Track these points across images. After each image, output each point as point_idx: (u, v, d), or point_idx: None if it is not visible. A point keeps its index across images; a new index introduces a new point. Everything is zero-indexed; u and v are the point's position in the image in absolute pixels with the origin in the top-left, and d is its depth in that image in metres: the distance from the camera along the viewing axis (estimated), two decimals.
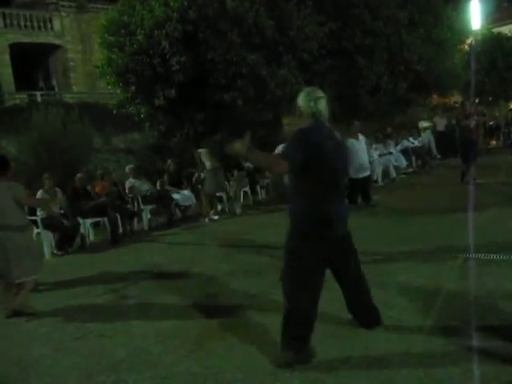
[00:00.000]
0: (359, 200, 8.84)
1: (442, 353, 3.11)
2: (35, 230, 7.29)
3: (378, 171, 12.15)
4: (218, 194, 10.22)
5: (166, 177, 10.08)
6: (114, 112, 12.20)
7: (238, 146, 2.98)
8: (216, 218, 9.65)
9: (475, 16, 18.11)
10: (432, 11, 14.71)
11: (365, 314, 3.52)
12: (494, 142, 18.28)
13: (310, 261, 3.11)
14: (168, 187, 9.89)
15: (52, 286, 5.75)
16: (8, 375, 3.50)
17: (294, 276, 3.15)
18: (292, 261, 3.18)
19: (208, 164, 9.62)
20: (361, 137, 9.06)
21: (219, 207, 10.41)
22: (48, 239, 7.77)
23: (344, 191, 3.41)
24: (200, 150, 9.77)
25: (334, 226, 3.14)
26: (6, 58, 21.28)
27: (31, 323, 4.54)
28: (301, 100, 3.19)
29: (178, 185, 10.08)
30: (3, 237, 4.57)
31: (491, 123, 18.27)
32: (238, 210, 10.10)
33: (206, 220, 9.49)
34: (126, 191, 9.66)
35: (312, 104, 3.14)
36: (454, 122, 15.08)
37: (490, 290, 4.07)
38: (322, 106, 3.17)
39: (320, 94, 3.21)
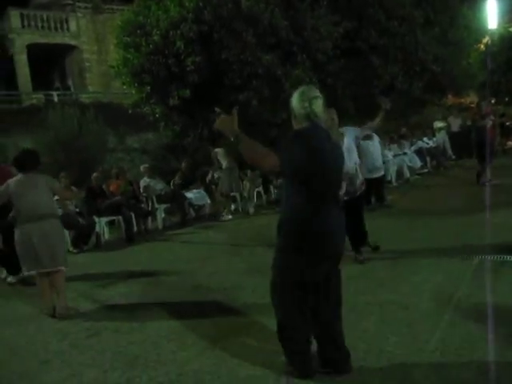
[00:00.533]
0: (373, 200, 8.80)
1: (454, 353, 3.10)
2: None
3: (392, 172, 12.08)
4: (232, 194, 10.27)
5: (177, 176, 10.17)
6: (130, 112, 12.31)
7: (222, 123, 2.73)
8: (230, 217, 9.70)
9: (491, 15, 17.90)
10: (448, 10, 14.56)
11: (332, 352, 3.03)
12: (510, 143, 18.03)
13: (292, 274, 2.89)
14: (177, 181, 10.04)
15: (67, 283, 5.81)
16: (25, 370, 3.56)
17: (277, 288, 3.00)
18: (274, 271, 3.01)
19: (224, 163, 9.68)
20: (375, 137, 9.02)
21: (232, 207, 10.45)
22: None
23: (339, 204, 3.02)
24: (217, 150, 9.84)
25: (319, 240, 2.82)
26: (24, 58, 21.56)
27: (47, 320, 4.61)
28: (294, 101, 2.87)
29: (192, 184, 10.17)
30: (45, 224, 4.74)
31: (508, 123, 18.03)
32: (251, 210, 10.13)
33: (227, 217, 9.60)
34: (141, 190, 9.76)
35: (306, 105, 2.80)
36: (469, 122, 14.95)
37: (504, 292, 4.04)
38: (318, 106, 2.82)
39: (315, 93, 2.86)
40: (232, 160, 9.58)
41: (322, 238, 2.83)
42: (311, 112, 2.80)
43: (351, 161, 5.21)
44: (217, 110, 2.78)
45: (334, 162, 2.88)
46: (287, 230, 2.88)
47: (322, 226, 2.82)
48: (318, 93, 2.88)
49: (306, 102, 2.81)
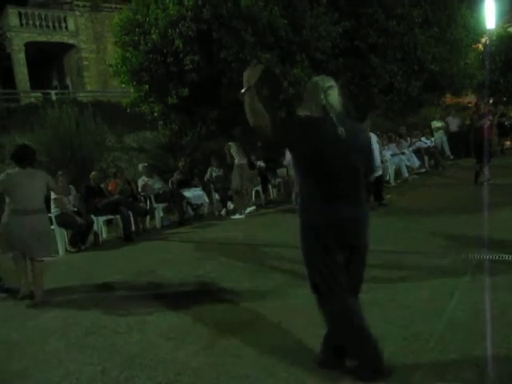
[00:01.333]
0: (371, 200, 8.80)
1: (454, 352, 3.10)
2: None
3: (391, 171, 12.10)
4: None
5: (175, 175, 10.16)
6: (128, 110, 12.29)
7: (252, 72, 2.64)
8: (248, 210, 9.81)
9: (490, 15, 17.87)
10: (446, 10, 14.56)
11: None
12: (508, 143, 18.07)
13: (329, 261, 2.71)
14: (175, 177, 10.10)
15: (66, 281, 5.81)
16: (23, 368, 3.54)
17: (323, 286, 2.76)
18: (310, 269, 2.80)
19: (236, 159, 9.71)
20: (373, 136, 9.03)
21: (231, 206, 10.43)
22: (61, 236, 7.85)
23: (357, 191, 2.81)
24: (230, 143, 9.87)
25: (332, 229, 2.71)
26: (22, 56, 21.55)
27: (45, 319, 4.59)
28: (309, 92, 2.75)
29: (190, 183, 10.17)
30: (36, 217, 4.97)
31: (506, 123, 18.06)
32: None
33: (243, 216, 9.61)
34: (139, 189, 9.74)
35: (322, 96, 2.67)
36: (467, 122, 14.97)
37: (503, 291, 4.04)
38: (333, 96, 2.69)
39: (331, 82, 2.73)
40: (243, 156, 9.63)
41: (328, 226, 2.71)
42: (327, 103, 2.66)
43: None
44: (254, 61, 2.73)
45: (342, 150, 2.65)
46: (302, 219, 2.79)
47: (326, 212, 2.69)
48: (332, 82, 2.74)
49: (322, 93, 2.68)
